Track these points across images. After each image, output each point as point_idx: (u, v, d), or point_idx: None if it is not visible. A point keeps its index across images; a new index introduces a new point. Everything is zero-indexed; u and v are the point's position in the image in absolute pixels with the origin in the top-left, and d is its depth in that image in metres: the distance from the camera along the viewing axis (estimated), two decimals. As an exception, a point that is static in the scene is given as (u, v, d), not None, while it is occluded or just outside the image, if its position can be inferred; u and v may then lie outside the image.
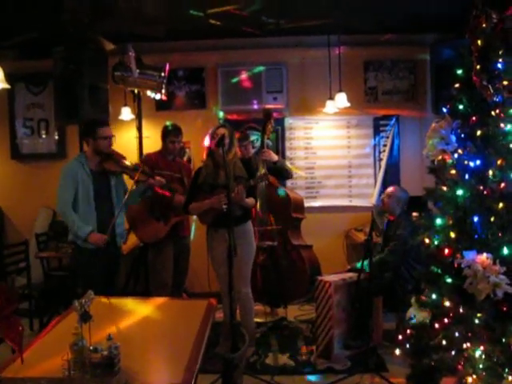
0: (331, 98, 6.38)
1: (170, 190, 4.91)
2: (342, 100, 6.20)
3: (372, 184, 6.93)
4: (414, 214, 5.50)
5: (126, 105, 6.44)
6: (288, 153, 6.98)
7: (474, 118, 3.27)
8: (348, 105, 6.22)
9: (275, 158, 5.49)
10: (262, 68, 6.80)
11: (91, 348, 2.21)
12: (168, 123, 5.23)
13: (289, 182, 6.72)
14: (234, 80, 6.79)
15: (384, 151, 6.88)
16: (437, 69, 6.06)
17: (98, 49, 5.58)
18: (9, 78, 4.83)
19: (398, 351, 3.52)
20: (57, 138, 6.99)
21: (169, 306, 3.52)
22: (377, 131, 6.91)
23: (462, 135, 3.31)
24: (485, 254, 3.01)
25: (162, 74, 5.34)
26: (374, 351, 4.64)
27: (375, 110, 6.92)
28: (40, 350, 2.60)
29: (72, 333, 2.20)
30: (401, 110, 6.90)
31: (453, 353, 3.08)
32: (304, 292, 5.52)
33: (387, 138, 6.87)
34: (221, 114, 6.88)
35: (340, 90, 6.23)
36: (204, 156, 4.65)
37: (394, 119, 6.87)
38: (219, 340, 4.72)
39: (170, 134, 5.13)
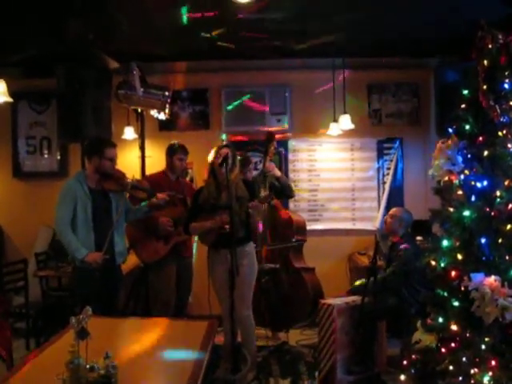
0: (335, 120, 6.36)
1: (174, 206, 4.88)
2: (346, 122, 6.19)
3: (376, 207, 6.89)
4: (419, 237, 5.50)
5: (129, 124, 6.43)
6: (291, 175, 6.94)
7: (480, 139, 3.24)
8: (352, 126, 6.21)
9: (278, 173, 5.47)
10: (266, 89, 6.79)
11: (88, 366, 2.15)
12: (174, 142, 5.19)
13: (292, 204, 6.68)
14: (236, 103, 6.80)
15: (388, 174, 6.86)
16: (441, 91, 6.07)
17: (101, 67, 5.58)
18: (12, 96, 4.83)
19: (403, 377, 3.42)
20: (59, 157, 6.97)
21: (169, 326, 3.45)
22: (381, 154, 6.90)
23: (469, 156, 3.29)
24: (493, 277, 2.95)
25: (166, 93, 5.34)
26: (378, 377, 4.54)
27: (379, 133, 6.91)
28: (35, 367, 2.54)
29: (68, 350, 2.14)
30: (404, 132, 6.90)
31: (460, 378, 2.99)
32: (306, 316, 5.45)
33: (391, 160, 6.86)
34: (224, 135, 6.87)
35: (344, 112, 6.22)
36: (205, 174, 4.59)
37: (397, 142, 6.86)
38: (219, 363, 4.63)
39: (178, 151, 5.09)
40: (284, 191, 5.54)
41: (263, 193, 5.22)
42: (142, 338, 3.12)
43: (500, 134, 3.20)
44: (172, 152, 5.11)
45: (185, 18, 4.91)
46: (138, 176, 5.36)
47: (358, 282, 5.06)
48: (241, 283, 4.13)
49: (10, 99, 4.74)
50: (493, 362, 2.90)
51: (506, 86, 3.23)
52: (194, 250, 5.86)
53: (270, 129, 6.40)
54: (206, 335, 3.09)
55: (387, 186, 6.84)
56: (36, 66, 6.37)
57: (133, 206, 4.72)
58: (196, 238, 5.30)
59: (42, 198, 6.60)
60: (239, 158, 4.70)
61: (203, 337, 3.05)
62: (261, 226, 5.23)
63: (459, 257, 3.18)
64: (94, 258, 4.22)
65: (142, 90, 5.21)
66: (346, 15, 5.02)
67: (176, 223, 4.90)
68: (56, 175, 6.85)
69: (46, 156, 7.00)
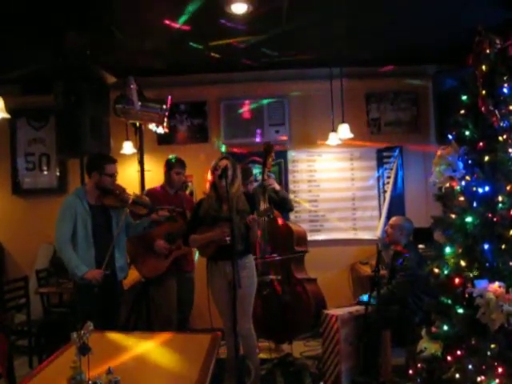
0: (334, 130, 6.35)
1: (174, 221, 4.87)
2: (345, 131, 6.18)
3: (377, 216, 6.87)
4: (420, 245, 5.47)
5: (127, 139, 6.44)
6: (291, 186, 6.93)
7: (481, 144, 3.24)
8: (351, 136, 6.20)
9: (278, 187, 5.48)
10: (264, 101, 6.81)
11: (90, 382, 2.13)
12: (171, 156, 5.20)
13: (292, 215, 6.66)
14: (237, 113, 6.80)
15: (388, 183, 6.85)
16: (440, 99, 6.09)
17: (99, 82, 5.57)
18: (10, 113, 4.83)
19: (408, 386, 3.41)
20: (58, 173, 6.97)
21: (171, 340, 3.41)
22: (380, 163, 6.89)
23: (470, 161, 3.29)
24: (497, 283, 2.94)
25: (164, 107, 5.31)
26: (383, 387, 4.51)
27: (378, 142, 6.91)
28: (37, 384, 2.50)
29: (70, 366, 2.12)
30: (404, 140, 6.89)
31: (467, 386, 2.97)
32: (309, 327, 5.40)
33: (391, 169, 6.85)
34: (223, 147, 6.86)
35: (343, 122, 6.21)
36: (207, 187, 4.57)
37: (397, 150, 6.85)
38: (224, 377, 4.58)
39: (175, 166, 5.11)
40: (283, 205, 5.53)
41: (263, 205, 5.20)
42: (145, 353, 3.09)
43: (500, 138, 3.19)
44: (169, 167, 5.13)
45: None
46: (137, 191, 5.34)
47: (365, 297, 5.01)
48: (241, 296, 4.09)
49: (7, 115, 4.72)
50: (499, 369, 2.88)
51: (505, 90, 3.24)
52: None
53: (268, 140, 6.39)
54: (210, 349, 3.06)
55: (388, 195, 6.83)
56: (34, 83, 6.40)
57: (133, 221, 4.70)
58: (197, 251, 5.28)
59: (42, 215, 6.58)
60: (241, 168, 4.71)
61: (206, 350, 3.02)
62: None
63: (462, 263, 3.17)
64: (94, 275, 4.19)
65: (139, 103, 5.19)
66: (346, 23, 5.04)
67: (175, 237, 4.88)
68: (55, 192, 6.86)
69: (45, 173, 7.00)
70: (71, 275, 4.33)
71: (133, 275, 5.26)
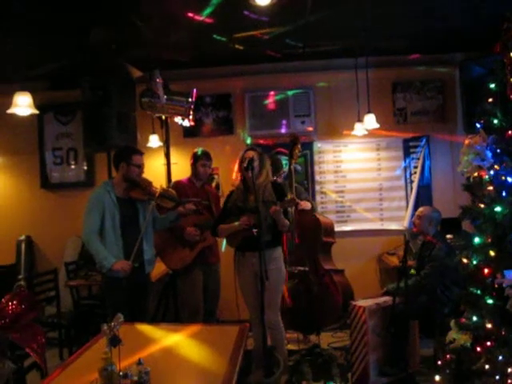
0: (360, 120, 6.30)
1: (200, 214, 4.88)
2: (371, 121, 6.12)
3: (404, 206, 6.82)
4: (449, 235, 5.42)
5: (153, 132, 6.47)
6: (317, 177, 6.92)
7: (509, 133, 3.19)
8: (377, 126, 6.14)
9: (309, 206, 5.41)
10: (289, 92, 6.80)
11: (121, 373, 2.15)
12: (197, 149, 5.20)
13: (319, 207, 6.66)
14: (262, 104, 6.80)
15: (415, 173, 6.79)
16: (467, 87, 6.01)
17: (125, 76, 5.61)
18: (38, 108, 4.88)
19: (437, 377, 3.37)
20: (85, 167, 7.05)
21: (200, 332, 3.43)
22: (407, 153, 6.83)
23: (498, 150, 3.24)
24: (527, 273, 2.90)
25: (190, 100, 5.33)
26: (411, 378, 4.47)
27: (405, 132, 6.84)
28: (69, 375, 2.54)
29: (101, 357, 2.14)
30: (431, 130, 6.82)
31: (497, 377, 2.94)
32: (337, 318, 5.38)
33: (418, 159, 6.78)
34: (248, 139, 6.87)
35: (368, 112, 6.16)
36: (236, 179, 4.57)
37: (424, 140, 6.78)
38: (251, 369, 4.59)
39: (201, 158, 5.11)
40: None
41: (290, 196, 5.17)
42: (174, 344, 3.12)
43: (529, 126, 3.14)
44: (195, 159, 5.13)
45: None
46: (164, 184, 5.37)
47: (392, 286, 4.98)
48: (269, 288, 4.09)
49: (36, 111, 4.78)
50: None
51: (534, 77, 3.17)
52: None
53: (294, 131, 6.37)
54: (238, 340, 3.07)
55: (415, 185, 6.76)
56: (61, 78, 6.46)
57: (159, 215, 4.73)
58: (224, 243, 5.31)
59: (70, 208, 6.68)
60: (272, 160, 4.70)
61: (235, 341, 3.03)
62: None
63: (492, 253, 3.14)
64: (122, 266, 4.22)
65: (165, 97, 5.22)
66: (371, 12, 4.99)
67: (202, 229, 4.90)
68: (83, 185, 6.94)
69: (72, 167, 7.09)
70: (99, 267, 4.36)
71: (160, 268, 5.31)
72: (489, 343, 3.05)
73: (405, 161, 6.82)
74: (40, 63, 5.68)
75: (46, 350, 2.14)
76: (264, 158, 4.44)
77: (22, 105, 4.65)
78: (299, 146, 5.40)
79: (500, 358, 2.95)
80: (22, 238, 6.94)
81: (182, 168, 5.87)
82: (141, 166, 4.49)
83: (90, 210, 4.35)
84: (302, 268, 5.31)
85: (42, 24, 4.81)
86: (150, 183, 4.55)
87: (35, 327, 2.02)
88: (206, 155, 5.15)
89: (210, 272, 5.10)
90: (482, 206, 3.23)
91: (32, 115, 5.02)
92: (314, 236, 5.44)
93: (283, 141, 6.42)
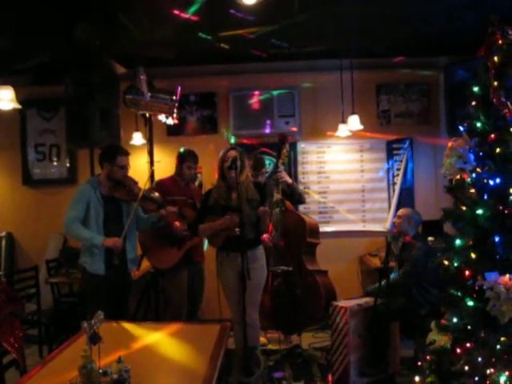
0: (344, 121, 6.32)
1: (183, 217, 4.85)
2: (354, 123, 6.14)
3: (386, 208, 6.85)
4: (430, 238, 5.46)
5: (137, 130, 6.43)
6: (301, 177, 6.92)
7: (492, 136, 3.21)
8: (361, 127, 6.17)
9: (290, 180, 5.41)
10: (274, 92, 6.80)
11: (101, 371, 2.14)
12: (183, 149, 5.14)
13: (302, 207, 6.65)
14: (246, 104, 6.79)
15: (398, 175, 6.83)
16: (451, 90, 6.06)
17: (109, 73, 5.58)
18: (21, 103, 4.84)
19: (417, 378, 3.38)
20: (68, 164, 6.99)
21: (181, 331, 3.42)
22: (390, 155, 6.86)
23: (481, 153, 3.25)
24: (507, 275, 2.92)
25: (174, 98, 5.31)
26: (392, 379, 4.50)
27: (388, 134, 6.89)
28: (48, 373, 2.53)
29: (81, 355, 2.12)
30: (414, 132, 6.86)
31: (476, 379, 2.96)
32: (319, 318, 5.38)
33: (401, 161, 6.82)
34: (232, 138, 6.86)
35: (352, 113, 6.18)
36: (216, 177, 4.57)
37: (407, 142, 6.82)
38: (231, 369, 4.57)
39: (187, 160, 5.04)
40: (294, 197, 5.49)
41: (276, 195, 5.17)
42: (155, 343, 3.11)
43: (512, 130, 3.16)
44: (181, 160, 5.07)
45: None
46: (147, 182, 5.34)
47: (372, 287, 5.02)
48: (252, 287, 4.10)
49: (18, 106, 4.73)
50: (509, 362, 2.87)
51: (517, 81, 3.20)
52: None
53: (278, 131, 6.37)
54: (219, 339, 3.07)
55: (397, 187, 6.81)
56: (44, 73, 6.39)
57: (143, 215, 4.70)
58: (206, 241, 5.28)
59: (52, 205, 6.62)
60: (254, 159, 4.68)
61: (216, 340, 3.03)
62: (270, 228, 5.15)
63: (473, 256, 3.15)
64: (114, 242, 4.21)
65: (149, 94, 5.20)
66: (357, 14, 5.01)
67: (188, 229, 4.88)
68: (65, 182, 6.87)
69: (55, 163, 7.01)
70: (81, 264, 4.35)
71: (142, 265, 5.28)
72: (468, 345, 3.06)
73: (388, 163, 6.86)
74: (24, 57, 5.63)
75: (24, 346, 2.11)
76: (244, 157, 4.44)
77: (5, 99, 4.61)
78: (287, 146, 5.41)
79: (479, 359, 2.96)
80: (3, 234, 6.86)
81: (165, 166, 5.84)
82: (125, 167, 4.46)
83: (76, 202, 4.33)
84: (285, 268, 5.30)
85: (27, 18, 4.77)
86: (134, 183, 4.53)
87: (13, 321, 1.99)
88: (193, 157, 5.08)
89: (195, 271, 5.08)
90: (464, 208, 3.25)
91: (14, 110, 4.98)
92: (299, 236, 5.43)
93: (267, 141, 6.43)
